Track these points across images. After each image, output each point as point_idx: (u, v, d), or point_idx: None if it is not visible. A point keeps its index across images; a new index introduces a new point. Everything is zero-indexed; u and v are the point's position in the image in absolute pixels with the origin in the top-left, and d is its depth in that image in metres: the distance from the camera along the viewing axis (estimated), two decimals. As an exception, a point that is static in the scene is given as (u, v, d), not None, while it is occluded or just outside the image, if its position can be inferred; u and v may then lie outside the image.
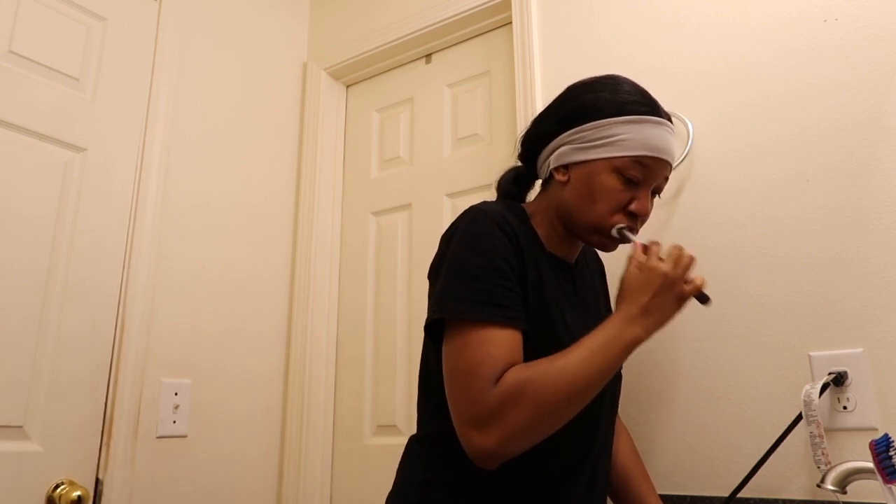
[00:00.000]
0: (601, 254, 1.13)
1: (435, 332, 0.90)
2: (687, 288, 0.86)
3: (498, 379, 0.81)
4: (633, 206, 0.93)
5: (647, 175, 0.93)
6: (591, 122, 0.93)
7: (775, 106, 1.23)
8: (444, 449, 0.91)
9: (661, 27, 1.40)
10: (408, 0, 1.88)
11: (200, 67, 1.77)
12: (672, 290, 0.85)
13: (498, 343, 0.83)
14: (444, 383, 0.87)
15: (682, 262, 0.87)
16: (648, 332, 0.86)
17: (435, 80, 1.87)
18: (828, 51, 1.19)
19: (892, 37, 1.14)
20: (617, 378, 1.05)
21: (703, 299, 0.88)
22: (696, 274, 0.88)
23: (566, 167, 0.96)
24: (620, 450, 1.12)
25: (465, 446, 0.83)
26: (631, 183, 0.93)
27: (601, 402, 0.95)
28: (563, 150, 0.96)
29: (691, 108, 1.31)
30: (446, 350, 0.87)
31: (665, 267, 0.86)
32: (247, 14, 1.93)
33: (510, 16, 1.66)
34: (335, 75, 2.04)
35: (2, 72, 1.39)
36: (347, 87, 2.08)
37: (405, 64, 1.95)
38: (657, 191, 0.98)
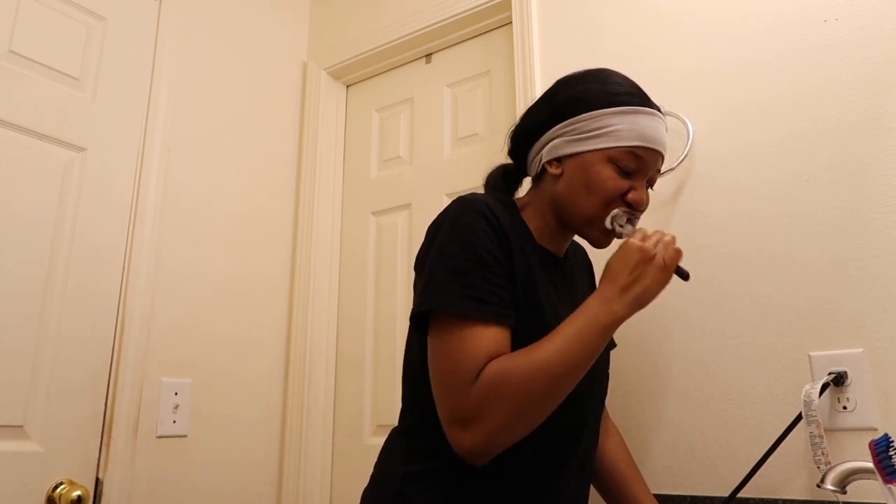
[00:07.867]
0: (590, 251, 1.13)
1: (420, 324, 0.90)
2: (667, 254, 0.85)
3: (479, 375, 0.80)
4: (629, 196, 0.93)
5: (642, 166, 0.94)
6: (582, 113, 0.93)
7: (775, 106, 1.23)
8: (424, 441, 0.90)
9: (662, 27, 1.40)
10: (408, 0, 1.88)
11: (200, 67, 1.77)
12: (651, 262, 0.84)
13: (479, 339, 0.82)
14: (430, 380, 0.87)
15: (653, 235, 0.86)
16: (630, 309, 0.84)
17: (435, 80, 1.87)
18: (828, 51, 1.19)
19: (892, 37, 1.14)
20: (605, 368, 1.05)
21: (683, 274, 0.87)
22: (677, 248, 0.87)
23: (559, 160, 0.96)
24: (612, 451, 1.11)
25: (453, 445, 0.82)
26: (625, 173, 0.93)
27: (589, 394, 0.94)
28: (555, 143, 0.96)
29: (691, 108, 1.31)
30: (431, 345, 0.87)
31: (636, 241, 0.85)
32: (247, 14, 1.93)
33: (510, 16, 1.66)
34: (335, 75, 2.04)
35: (2, 72, 1.39)
36: (347, 86, 2.08)
37: (405, 64, 1.95)
38: (651, 182, 0.98)
